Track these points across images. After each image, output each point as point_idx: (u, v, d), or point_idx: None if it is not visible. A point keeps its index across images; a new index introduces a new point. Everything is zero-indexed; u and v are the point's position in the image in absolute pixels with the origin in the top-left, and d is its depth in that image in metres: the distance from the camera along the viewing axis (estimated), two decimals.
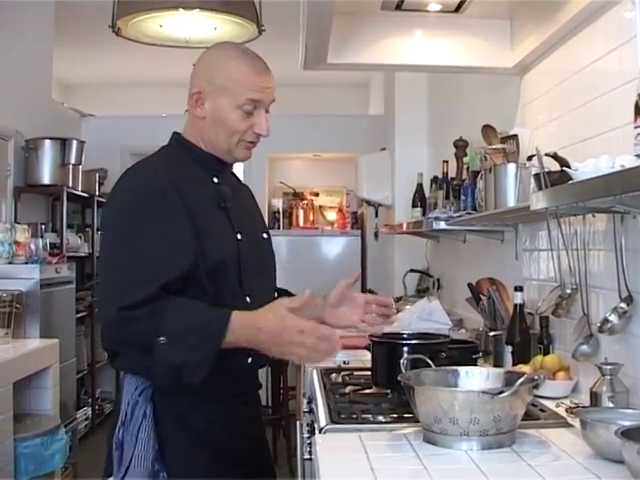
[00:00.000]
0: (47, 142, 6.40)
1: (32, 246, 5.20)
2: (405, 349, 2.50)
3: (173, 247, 2.09)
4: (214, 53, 2.35)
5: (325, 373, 3.01)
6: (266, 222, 2.68)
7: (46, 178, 6.39)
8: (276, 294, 2.46)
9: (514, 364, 2.92)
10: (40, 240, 5.37)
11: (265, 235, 2.48)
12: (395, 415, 2.28)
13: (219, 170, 2.32)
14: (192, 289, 2.11)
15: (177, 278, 2.07)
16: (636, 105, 1.89)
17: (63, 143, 6.50)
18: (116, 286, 2.05)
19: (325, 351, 2.05)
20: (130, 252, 2.08)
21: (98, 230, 7.51)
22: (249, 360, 2.23)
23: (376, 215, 6.42)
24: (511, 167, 3.05)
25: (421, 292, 5.51)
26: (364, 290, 6.26)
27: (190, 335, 2.01)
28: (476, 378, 2.19)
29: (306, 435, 2.35)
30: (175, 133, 2.36)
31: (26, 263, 5.12)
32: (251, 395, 2.39)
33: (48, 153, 6.38)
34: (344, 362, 3.32)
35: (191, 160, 2.28)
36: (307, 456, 2.27)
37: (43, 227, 6.29)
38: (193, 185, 2.21)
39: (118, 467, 2.15)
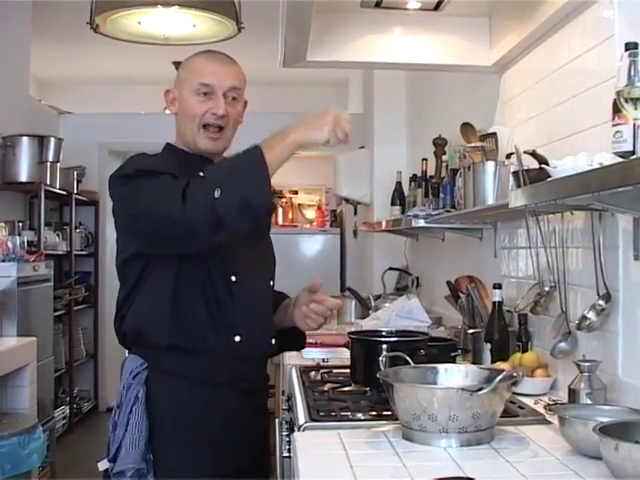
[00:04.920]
0: (24, 139, 6.35)
1: (9, 244, 5.17)
2: (384, 347, 2.49)
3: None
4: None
5: (304, 371, 3.01)
6: None
7: (23, 175, 6.35)
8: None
9: (493, 361, 2.92)
10: (17, 238, 5.34)
11: None
12: (374, 413, 2.29)
13: (205, 167, 2.40)
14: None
15: None
16: (614, 103, 1.89)
17: (41, 140, 6.45)
18: (162, 195, 2.15)
19: (344, 132, 2.14)
20: (154, 184, 2.20)
21: (76, 228, 7.49)
22: (237, 339, 2.32)
23: (355, 213, 6.42)
24: (490, 165, 3.06)
25: (400, 290, 5.51)
26: (343, 288, 6.26)
27: (237, 174, 2.10)
28: (455, 375, 2.20)
29: (285, 433, 2.35)
30: (166, 144, 2.51)
31: (3, 261, 5.09)
32: (250, 384, 2.40)
33: (25, 150, 6.33)
34: (323, 360, 3.32)
35: (180, 161, 2.41)
36: (286, 454, 2.27)
37: (20, 225, 6.25)
38: (185, 177, 2.30)
39: (112, 448, 2.25)
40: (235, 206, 2.05)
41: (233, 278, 2.34)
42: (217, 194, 2.04)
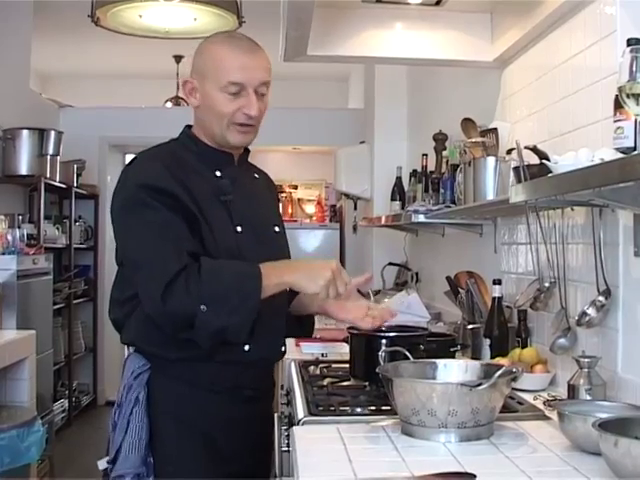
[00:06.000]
0: (25, 132, 6.35)
1: (9, 237, 5.17)
2: (383, 342, 2.49)
3: (182, 230, 2.15)
4: (203, 42, 2.35)
5: (303, 365, 3.01)
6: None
7: (24, 169, 6.34)
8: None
9: (492, 357, 2.92)
10: (17, 231, 5.34)
11: (277, 228, 2.48)
12: (373, 407, 2.28)
13: (222, 163, 2.34)
14: None
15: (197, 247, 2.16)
16: (616, 99, 1.89)
17: (41, 133, 6.45)
18: (151, 271, 2.11)
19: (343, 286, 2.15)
20: (149, 242, 2.15)
21: (76, 222, 7.49)
22: (246, 348, 2.24)
23: (355, 208, 6.42)
24: (490, 160, 3.06)
25: (400, 285, 5.51)
26: None
27: (228, 299, 2.07)
28: (454, 370, 2.20)
29: (284, 427, 2.34)
30: (186, 126, 2.40)
31: (3, 254, 5.09)
32: (254, 391, 2.33)
33: (26, 143, 6.33)
34: (322, 355, 3.32)
35: (195, 154, 2.32)
36: (285, 448, 2.26)
37: (20, 218, 6.26)
38: (196, 180, 2.24)
39: (111, 450, 2.20)
40: (212, 330, 2.08)
41: None
42: (202, 308, 2.06)
